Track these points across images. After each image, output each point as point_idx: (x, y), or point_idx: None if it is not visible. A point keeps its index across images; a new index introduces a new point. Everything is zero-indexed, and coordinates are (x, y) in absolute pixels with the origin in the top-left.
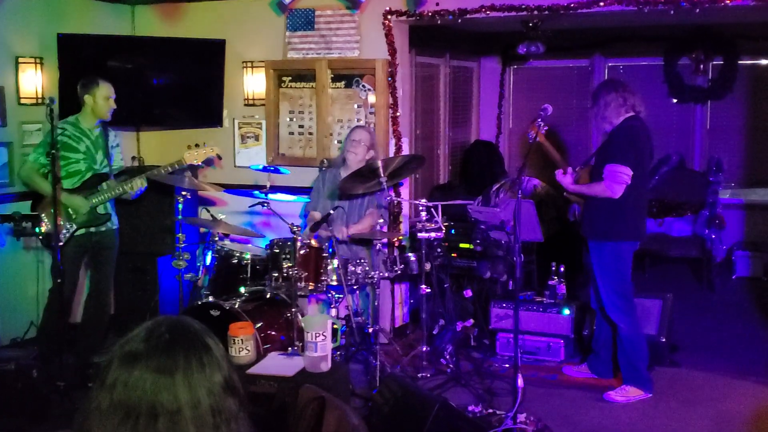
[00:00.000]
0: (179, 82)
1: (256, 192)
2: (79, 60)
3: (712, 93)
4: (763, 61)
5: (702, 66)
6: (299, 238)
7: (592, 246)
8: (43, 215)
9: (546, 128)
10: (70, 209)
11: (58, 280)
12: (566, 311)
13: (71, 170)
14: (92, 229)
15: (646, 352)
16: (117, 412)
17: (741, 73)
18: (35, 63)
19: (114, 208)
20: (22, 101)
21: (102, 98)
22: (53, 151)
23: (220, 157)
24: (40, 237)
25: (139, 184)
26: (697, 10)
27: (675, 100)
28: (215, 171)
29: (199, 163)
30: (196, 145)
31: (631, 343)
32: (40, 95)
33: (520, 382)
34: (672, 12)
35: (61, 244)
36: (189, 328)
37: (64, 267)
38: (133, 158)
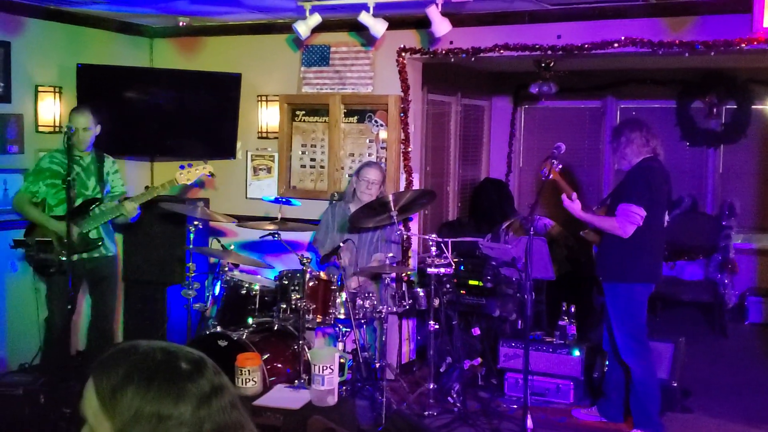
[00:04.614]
0: (194, 114)
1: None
2: (97, 90)
3: (725, 137)
4: None
5: (715, 110)
6: (308, 270)
7: (606, 287)
8: (33, 247)
9: (560, 166)
10: (58, 234)
11: (68, 306)
12: (576, 352)
13: (61, 197)
14: (85, 256)
15: (659, 397)
16: None
17: (754, 118)
18: (54, 92)
19: (111, 235)
20: (40, 129)
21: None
22: (69, 179)
23: (212, 175)
24: (34, 265)
25: (130, 207)
26: (712, 53)
27: (687, 144)
28: (226, 201)
29: (192, 183)
30: (189, 165)
31: (644, 387)
32: (57, 123)
33: (529, 423)
34: (686, 54)
35: (52, 271)
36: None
37: (54, 295)
38: (147, 188)
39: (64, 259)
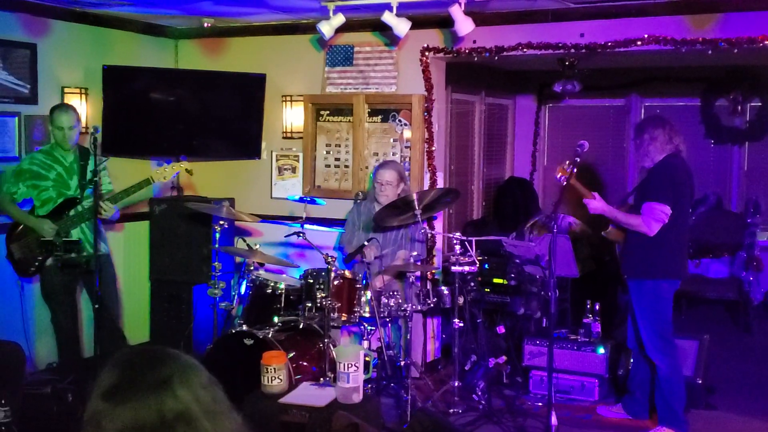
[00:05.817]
0: (219, 115)
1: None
2: (123, 91)
3: (750, 134)
4: None
5: (739, 107)
6: (333, 268)
7: (631, 284)
8: (13, 245)
9: (575, 169)
10: (37, 233)
11: (95, 306)
12: (601, 350)
13: (43, 197)
14: (73, 255)
15: (684, 394)
16: None
17: None
18: (80, 93)
19: (101, 234)
20: None
21: (55, 128)
22: (96, 179)
23: (190, 172)
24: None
25: (106, 208)
26: (735, 50)
27: (712, 141)
28: (251, 201)
29: (167, 181)
30: (168, 162)
31: (669, 384)
32: (84, 124)
33: (554, 420)
34: (710, 52)
35: (32, 270)
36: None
37: (51, 295)
38: (172, 188)
39: (35, 260)
